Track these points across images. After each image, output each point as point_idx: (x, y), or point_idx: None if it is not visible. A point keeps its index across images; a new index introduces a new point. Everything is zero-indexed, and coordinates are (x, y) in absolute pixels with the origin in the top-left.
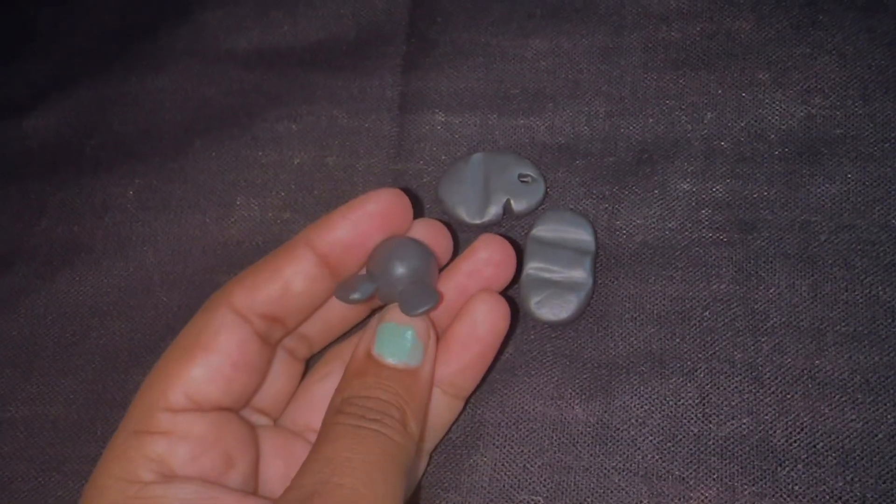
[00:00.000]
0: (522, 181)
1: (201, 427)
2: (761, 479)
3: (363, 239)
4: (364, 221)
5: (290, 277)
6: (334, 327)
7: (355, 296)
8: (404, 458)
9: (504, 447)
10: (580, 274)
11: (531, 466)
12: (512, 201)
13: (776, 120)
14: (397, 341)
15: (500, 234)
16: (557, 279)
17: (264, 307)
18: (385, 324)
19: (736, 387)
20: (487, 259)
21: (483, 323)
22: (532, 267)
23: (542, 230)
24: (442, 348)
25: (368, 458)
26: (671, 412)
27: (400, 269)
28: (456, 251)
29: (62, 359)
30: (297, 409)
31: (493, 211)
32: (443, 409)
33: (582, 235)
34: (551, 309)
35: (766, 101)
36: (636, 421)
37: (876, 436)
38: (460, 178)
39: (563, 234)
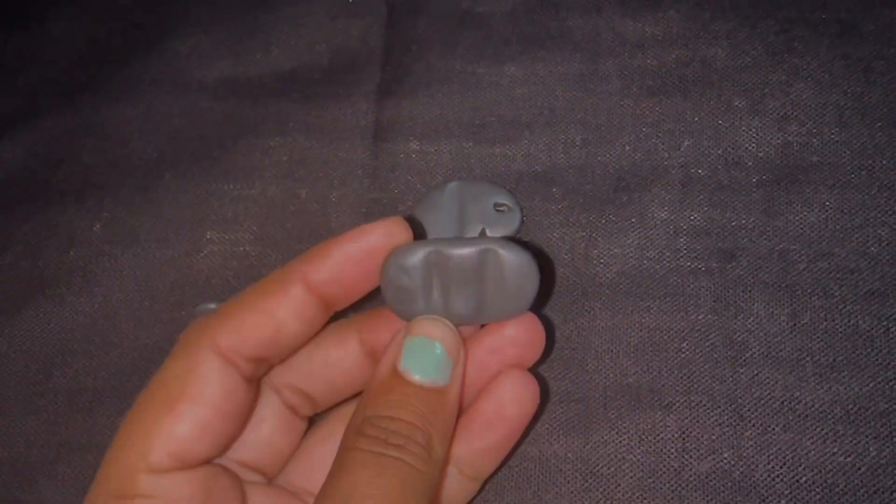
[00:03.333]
0: (498, 210)
1: (188, 488)
2: None
3: (365, 272)
4: (366, 253)
5: (284, 319)
6: (340, 390)
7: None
8: (427, 489)
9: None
10: None
11: None
12: (487, 231)
13: (753, 147)
14: (426, 356)
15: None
16: None
17: (253, 350)
18: (413, 337)
19: (716, 420)
20: (514, 338)
21: (511, 403)
22: None
23: None
24: (463, 426)
25: (390, 494)
26: (650, 447)
27: None
28: None
29: (24, 398)
30: (295, 469)
31: None
32: (457, 491)
33: None
34: None
35: (743, 128)
36: (615, 456)
37: (859, 469)
38: (435, 206)
39: None
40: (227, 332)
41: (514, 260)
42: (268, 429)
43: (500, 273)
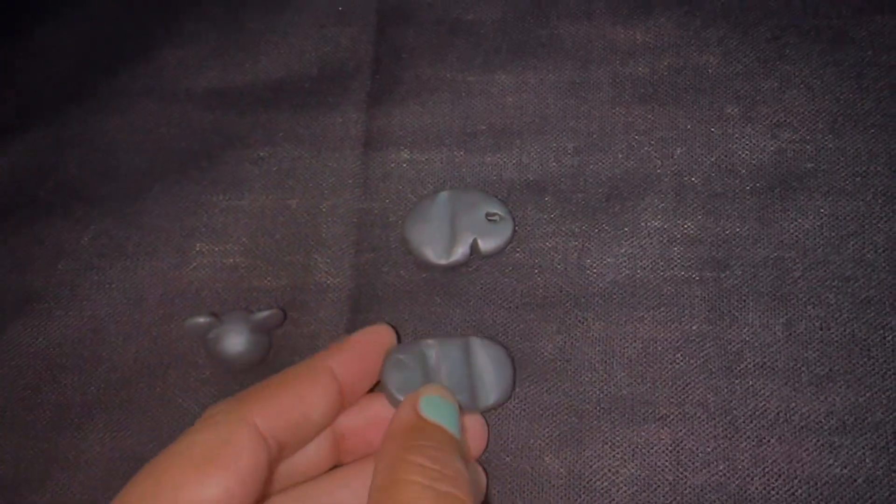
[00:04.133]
0: (490, 220)
1: None
2: None
3: (373, 367)
4: (378, 347)
5: (314, 404)
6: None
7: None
8: None
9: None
10: None
11: None
12: (479, 241)
13: (746, 154)
14: (445, 410)
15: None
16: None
17: (284, 430)
18: (428, 396)
19: (710, 432)
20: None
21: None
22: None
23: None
24: None
25: None
26: (644, 460)
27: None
28: None
29: (11, 414)
30: None
31: (460, 251)
32: None
33: None
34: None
35: (736, 135)
36: (609, 470)
37: (855, 481)
38: (426, 216)
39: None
40: (263, 409)
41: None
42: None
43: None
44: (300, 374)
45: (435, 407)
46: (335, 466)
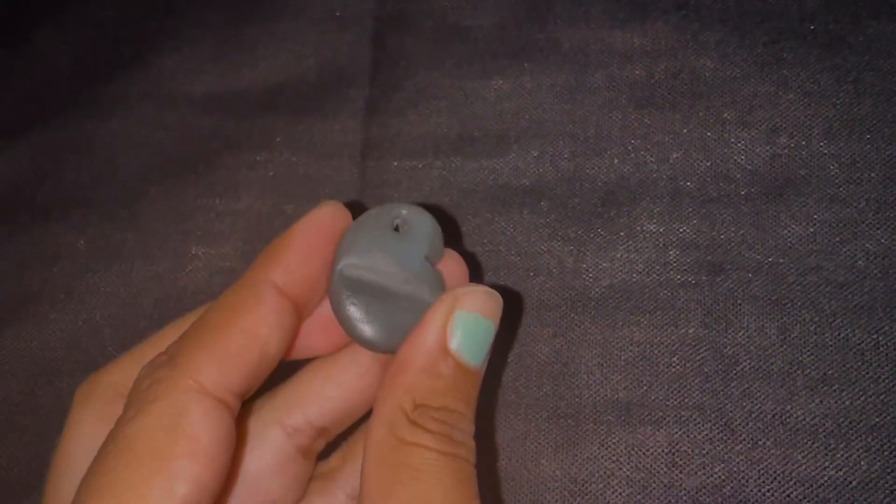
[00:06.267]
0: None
1: None
2: None
3: (325, 262)
4: (323, 238)
5: (267, 336)
6: (357, 411)
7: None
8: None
9: None
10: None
11: None
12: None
13: (742, 160)
14: (480, 339)
15: None
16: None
17: (243, 382)
18: (466, 313)
19: (706, 435)
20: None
21: None
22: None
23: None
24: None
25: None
26: (640, 463)
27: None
28: None
29: (5, 417)
30: None
31: None
32: None
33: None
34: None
35: (732, 140)
36: (605, 473)
37: (850, 484)
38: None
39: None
40: (211, 367)
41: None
42: (276, 485)
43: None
44: (241, 301)
45: (472, 334)
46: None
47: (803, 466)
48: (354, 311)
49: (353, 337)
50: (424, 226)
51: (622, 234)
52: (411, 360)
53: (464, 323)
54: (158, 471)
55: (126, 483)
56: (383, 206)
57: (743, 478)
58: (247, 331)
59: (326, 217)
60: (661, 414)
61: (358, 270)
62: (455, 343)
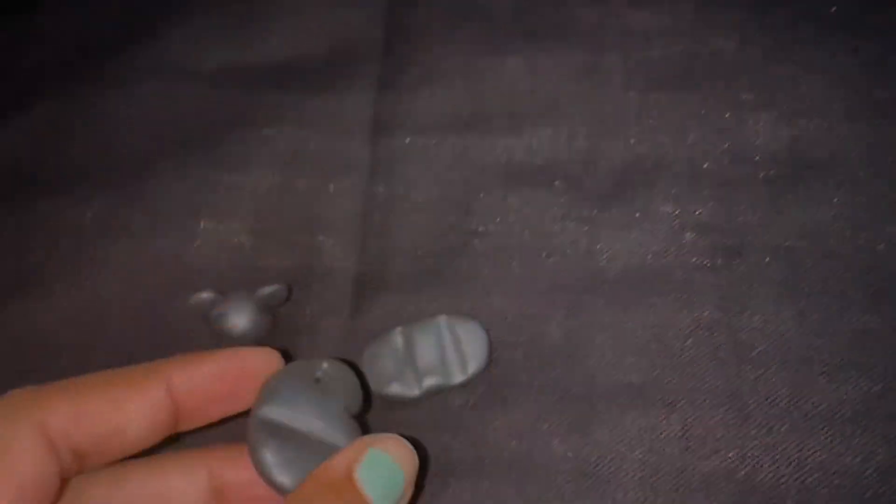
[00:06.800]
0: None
1: None
2: None
3: (230, 394)
4: (239, 374)
5: (134, 417)
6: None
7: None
8: None
9: (477, 486)
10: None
11: None
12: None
13: (761, 142)
14: (388, 481)
15: None
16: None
17: (86, 443)
18: (377, 451)
19: (720, 419)
20: None
21: None
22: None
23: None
24: None
25: None
26: (653, 446)
27: None
28: None
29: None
30: None
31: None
32: None
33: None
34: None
35: (751, 122)
36: (616, 456)
37: (866, 472)
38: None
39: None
40: (62, 413)
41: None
42: None
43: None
44: (129, 377)
45: (378, 472)
46: (171, 436)
47: (819, 453)
48: (269, 457)
49: (266, 480)
50: (345, 379)
51: (637, 215)
52: (316, 477)
53: (374, 458)
54: None
55: None
56: (307, 360)
57: (757, 463)
58: (115, 402)
59: (259, 360)
60: (674, 397)
61: (278, 416)
62: (360, 472)
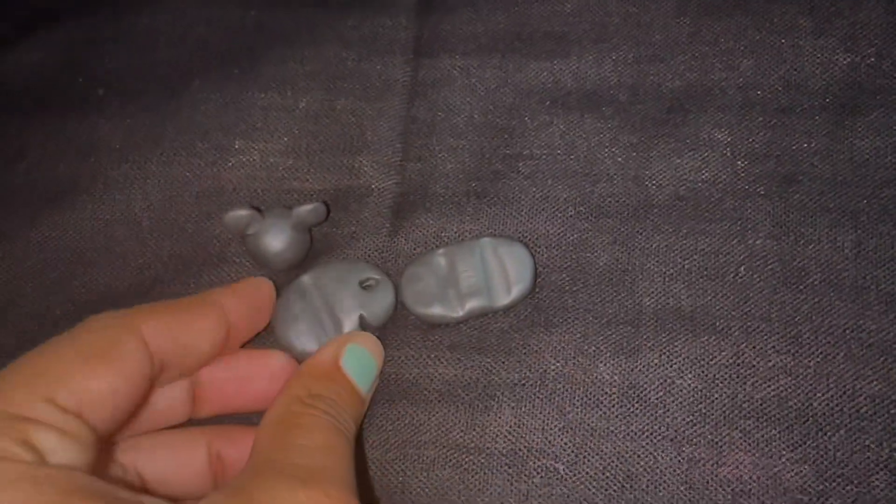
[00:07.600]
0: (366, 287)
1: (86, 436)
2: (801, 445)
3: (258, 317)
4: (263, 302)
5: (202, 333)
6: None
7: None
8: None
9: (521, 409)
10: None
11: (551, 429)
12: (364, 313)
13: (817, 69)
14: (364, 367)
15: None
16: None
17: (168, 353)
18: (356, 346)
19: (773, 347)
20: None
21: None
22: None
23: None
24: None
25: (344, 457)
26: (703, 372)
27: None
28: None
29: (40, 308)
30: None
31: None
32: None
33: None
34: None
35: (807, 48)
36: (665, 381)
37: None
38: (293, 314)
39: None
40: (152, 324)
41: None
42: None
43: None
44: (193, 302)
45: (357, 361)
46: (188, 422)
47: (875, 382)
48: (293, 323)
49: (283, 342)
50: (384, 296)
51: (688, 142)
52: (309, 368)
53: (354, 351)
54: (84, 367)
55: (52, 368)
56: (366, 264)
57: (811, 391)
58: (189, 321)
59: (260, 285)
60: (725, 324)
61: (309, 287)
62: (345, 362)
